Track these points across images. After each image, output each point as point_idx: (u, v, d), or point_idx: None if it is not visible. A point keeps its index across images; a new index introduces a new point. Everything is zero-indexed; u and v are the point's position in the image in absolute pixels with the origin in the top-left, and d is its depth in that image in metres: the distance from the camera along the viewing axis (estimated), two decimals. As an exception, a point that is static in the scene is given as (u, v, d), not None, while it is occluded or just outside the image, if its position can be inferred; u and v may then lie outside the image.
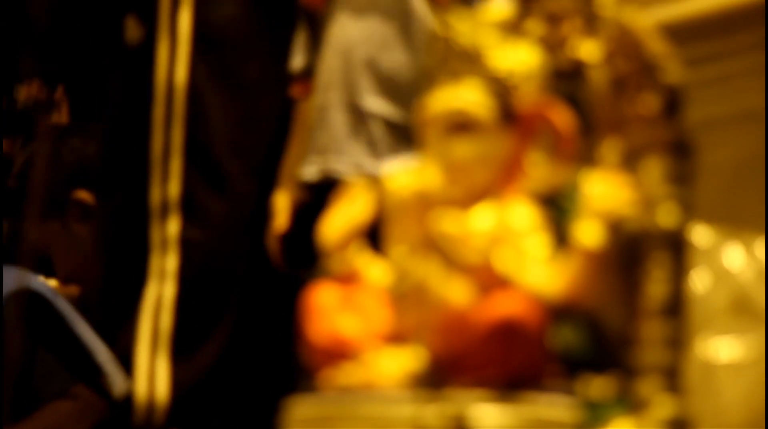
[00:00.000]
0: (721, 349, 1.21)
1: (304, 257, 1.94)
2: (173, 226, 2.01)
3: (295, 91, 2.08)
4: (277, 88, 2.08)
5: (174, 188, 2.01)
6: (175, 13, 2.03)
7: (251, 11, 2.07)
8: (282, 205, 2.01)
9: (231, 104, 2.04)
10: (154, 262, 2.01)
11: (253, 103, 2.06)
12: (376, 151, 1.88)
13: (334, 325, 1.07)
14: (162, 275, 2.00)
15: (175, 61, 2.02)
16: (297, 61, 2.06)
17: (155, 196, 2.02)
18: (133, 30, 2.08)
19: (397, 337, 1.06)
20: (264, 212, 2.04)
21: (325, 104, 1.94)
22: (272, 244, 2.03)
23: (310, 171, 1.93)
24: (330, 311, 1.08)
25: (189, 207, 2.02)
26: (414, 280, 1.04)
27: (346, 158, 1.89)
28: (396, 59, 1.90)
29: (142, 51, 2.06)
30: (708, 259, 1.24)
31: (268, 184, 2.05)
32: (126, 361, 1.98)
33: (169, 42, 2.03)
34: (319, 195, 1.85)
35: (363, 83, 1.90)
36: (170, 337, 1.97)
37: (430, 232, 0.98)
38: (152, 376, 1.95)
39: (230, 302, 2.02)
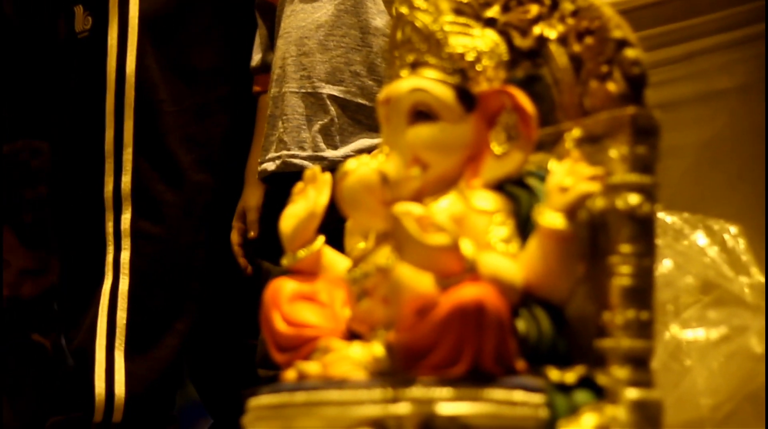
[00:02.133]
0: (688, 331, 1.21)
1: (266, 251, 1.93)
2: (126, 219, 1.98)
3: (256, 86, 2.07)
4: (231, 78, 2.06)
5: (126, 180, 1.98)
6: (124, 1, 2.01)
7: (203, 0, 2.05)
8: (252, 204, 2.00)
9: (183, 94, 2.01)
10: (109, 256, 1.98)
11: (206, 93, 2.04)
12: (334, 137, 1.87)
13: (295, 317, 1.06)
14: (117, 269, 1.97)
15: (125, 51, 1.99)
16: (256, 56, 2.05)
17: (108, 188, 1.99)
18: (81, 19, 2.05)
19: (359, 327, 1.05)
20: (218, 204, 2.02)
21: (281, 93, 1.92)
22: (235, 241, 2.02)
23: (271, 164, 1.92)
24: (291, 304, 1.07)
25: (142, 199, 1.99)
26: (373, 269, 1.02)
27: (305, 149, 1.87)
28: (350, 43, 1.89)
29: (91, 40, 2.03)
30: (674, 243, 1.24)
31: (222, 175, 2.04)
32: (84, 357, 1.96)
33: (118, 31, 2.00)
34: (283, 187, 1.84)
35: (318, 69, 1.89)
36: (126, 331, 1.95)
37: (392, 219, 0.96)
38: (110, 371, 1.93)
39: (189, 295, 2.00)
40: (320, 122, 1.86)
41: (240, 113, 2.05)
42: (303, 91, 1.89)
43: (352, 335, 1.06)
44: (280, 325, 1.06)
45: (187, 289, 1.99)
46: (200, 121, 2.02)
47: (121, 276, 1.96)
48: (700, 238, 1.25)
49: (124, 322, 1.94)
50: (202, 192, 2.01)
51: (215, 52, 2.05)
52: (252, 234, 1.99)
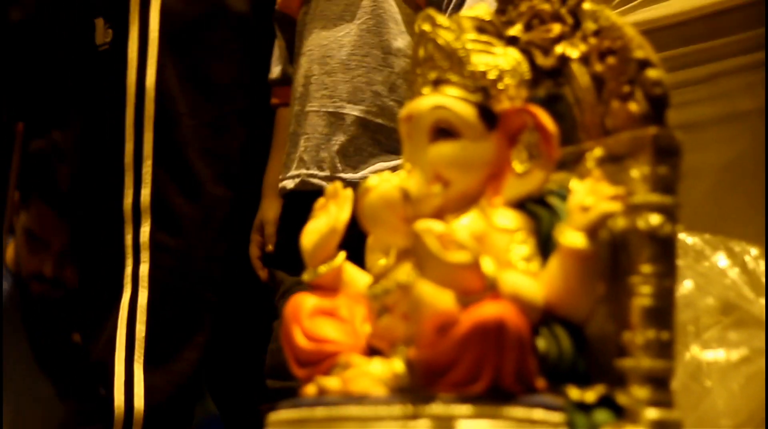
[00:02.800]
0: (709, 352, 1.20)
1: (283, 264, 1.93)
2: (146, 232, 1.98)
3: (275, 99, 2.07)
4: (249, 91, 2.06)
5: (146, 193, 1.99)
6: (144, 14, 2.01)
7: (222, 14, 2.05)
8: (270, 217, 2.00)
9: (202, 107, 2.02)
10: (128, 269, 1.98)
11: (225, 106, 2.04)
12: (352, 158, 1.87)
13: (316, 332, 1.06)
14: (135, 282, 1.97)
15: (145, 64, 2.00)
16: (275, 68, 2.05)
17: (127, 201, 1.99)
18: (102, 32, 2.06)
19: (379, 344, 1.05)
20: (237, 217, 2.02)
21: (303, 111, 1.93)
22: (254, 254, 2.02)
23: (290, 182, 1.92)
24: (312, 319, 1.07)
25: (161, 212, 1.99)
26: (394, 285, 1.02)
27: (323, 169, 1.88)
28: (371, 63, 1.89)
29: (111, 53, 2.04)
30: (695, 264, 1.23)
31: (240, 188, 2.04)
32: (104, 370, 1.96)
33: (138, 44, 2.01)
34: (301, 203, 1.84)
35: (340, 88, 1.89)
36: (146, 344, 1.95)
37: (413, 236, 0.96)
38: (129, 384, 1.93)
39: (207, 308, 2.00)
40: (339, 142, 1.87)
41: (258, 126, 2.05)
42: (324, 110, 1.89)
43: (372, 351, 1.06)
44: (301, 340, 1.06)
45: (205, 301, 1.99)
46: (219, 134, 2.02)
47: (140, 289, 1.96)
48: (721, 259, 1.25)
49: (143, 334, 1.94)
50: (221, 205, 2.01)
51: (234, 65, 2.05)
52: (270, 247, 2.00)
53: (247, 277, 1.99)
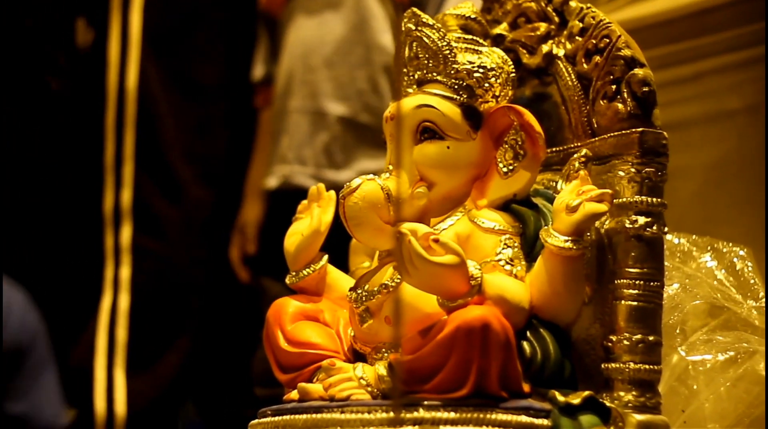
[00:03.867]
0: (696, 354, 1.20)
1: (268, 268, 1.92)
2: (127, 235, 1.97)
3: (258, 100, 2.06)
4: (232, 93, 2.05)
5: (127, 195, 1.97)
6: (125, 15, 2.00)
7: (205, 15, 2.04)
8: (251, 218, 1.99)
9: (184, 109, 2.01)
10: (108, 272, 1.96)
11: (207, 108, 2.03)
12: (336, 155, 1.86)
13: (298, 336, 1.05)
14: (116, 285, 1.96)
15: (126, 65, 1.98)
16: (258, 69, 2.04)
17: (108, 203, 1.98)
18: (83, 32, 2.04)
19: (362, 348, 1.04)
20: (219, 219, 2.01)
21: (286, 109, 1.92)
22: (235, 256, 2.01)
23: (273, 180, 1.92)
24: (294, 323, 1.06)
25: (142, 215, 1.98)
26: (378, 288, 1.01)
27: (307, 166, 1.87)
28: (354, 60, 1.88)
29: (92, 54, 2.02)
30: (682, 265, 1.23)
31: (222, 191, 2.03)
32: (84, 374, 1.94)
33: (119, 44, 1.99)
34: (285, 202, 1.83)
35: (323, 85, 1.88)
36: (127, 348, 1.93)
37: (397, 237, 0.95)
38: (110, 389, 1.91)
39: (190, 312, 1.98)
40: (323, 140, 1.86)
41: (240, 128, 2.04)
42: (307, 107, 1.89)
43: (355, 356, 1.05)
44: (283, 345, 1.04)
45: (188, 305, 1.98)
46: (201, 135, 2.01)
47: (121, 293, 1.94)
48: (708, 260, 1.24)
49: (125, 339, 1.93)
50: (202, 207, 2.00)
51: (217, 67, 2.04)
52: (250, 248, 1.99)
53: (228, 280, 1.98)
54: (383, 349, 1.01)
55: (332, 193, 1.11)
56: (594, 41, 1.06)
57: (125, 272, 1.96)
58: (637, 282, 0.99)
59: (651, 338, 0.98)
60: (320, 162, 1.86)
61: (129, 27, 1.99)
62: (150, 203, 1.97)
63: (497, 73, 1.06)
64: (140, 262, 1.96)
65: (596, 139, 1.05)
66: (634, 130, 1.02)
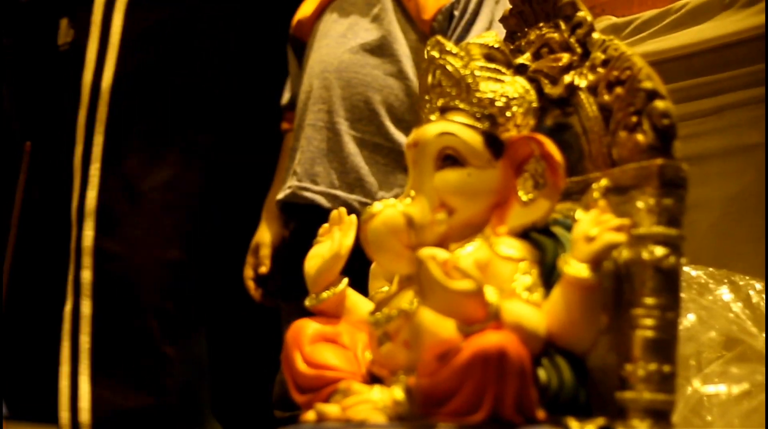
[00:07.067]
0: (710, 386, 1.20)
1: (286, 290, 1.92)
2: (88, 236, 1.91)
3: (284, 124, 2.07)
4: (209, 99, 2.00)
5: (91, 196, 1.92)
6: (108, 16, 1.95)
7: (188, 21, 2.00)
8: (266, 239, 2.00)
9: (155, 113, 1.95)
10: (70, 275, 1.91)
11: (180, 113, 1.97)
12: (348, 175, 1.87)
13: (317, 358, 1.05)
14: (77, 289, 1.90)
15: (102, 66, 1.95)
16: (286, 94, 2.05)
17: (74, 204, 1.93)
18: (64, 32, 2.03)
19: (379, 371, 1.05)
20: (190, 224, 1.95)
21: (301, 125, 1.92)
22: (248, 275, 2.01)
23: (282, 194, 1.92)
24: (313, 345, 1.06)
25: (105, 216, 1.92)
26: (396, 313, 1.02)
27: (318, 184, 1.87)
28: (371, 82, 1.89)
29: (70, 53, 1.99)
30: (698, 297, 1.23)
31: (187, 195, 1.97)
32: (50, 381, 1.88)
33: (98, 45, 1.95)
34: (303, 227, 1.83)
35: (337, 104, 1.89)
36: (91, 355, 1.86)
37: (416, 263, 0.96)
38: (74, 398, 1.85)
39: (159, 315, 1.91)
40: (336, 158, 1.86)
41: (217, 134, 1.99)
42: (320, 124, 1.89)
43: (372, 379, 1.05)
44: (301, 366, 1.05)
45: (156, 309, 1.92)
46: (165, 144, 1.95)
47: (83, 298, 1.89)
48: (725, 293, 1.25)
49: (88, 346, 1.87)
50: (169, 212, 1.94)
51: (195, 72, 1.99)
52: (263, 269, 1.99)
53: (212, 286, 1.94)
54: (400, 373, 1.02)
55: (353, 217, 1.12)
56: (616, 73, 1.07)
57: (86, 276, 1.90)
58: (653, 312, 0.99)
59: (666, 368, 0.99)
60: (332, 181, 1.87)
61: (110, 28, 1.93)
62: (113, 206, 1.91)
63: (519, 102, 1.07)
64: (103, 265, 1.90)
65: (616, 169, 1.06)
66: (653, 161, 1.02)
